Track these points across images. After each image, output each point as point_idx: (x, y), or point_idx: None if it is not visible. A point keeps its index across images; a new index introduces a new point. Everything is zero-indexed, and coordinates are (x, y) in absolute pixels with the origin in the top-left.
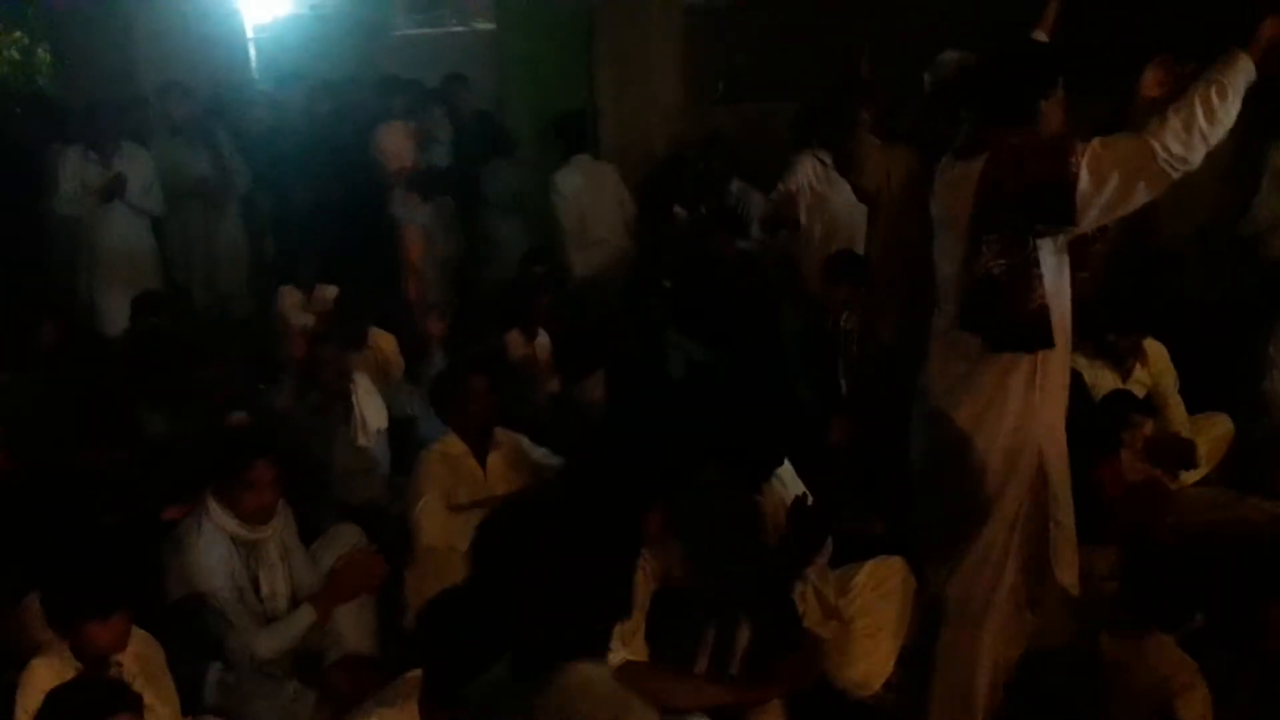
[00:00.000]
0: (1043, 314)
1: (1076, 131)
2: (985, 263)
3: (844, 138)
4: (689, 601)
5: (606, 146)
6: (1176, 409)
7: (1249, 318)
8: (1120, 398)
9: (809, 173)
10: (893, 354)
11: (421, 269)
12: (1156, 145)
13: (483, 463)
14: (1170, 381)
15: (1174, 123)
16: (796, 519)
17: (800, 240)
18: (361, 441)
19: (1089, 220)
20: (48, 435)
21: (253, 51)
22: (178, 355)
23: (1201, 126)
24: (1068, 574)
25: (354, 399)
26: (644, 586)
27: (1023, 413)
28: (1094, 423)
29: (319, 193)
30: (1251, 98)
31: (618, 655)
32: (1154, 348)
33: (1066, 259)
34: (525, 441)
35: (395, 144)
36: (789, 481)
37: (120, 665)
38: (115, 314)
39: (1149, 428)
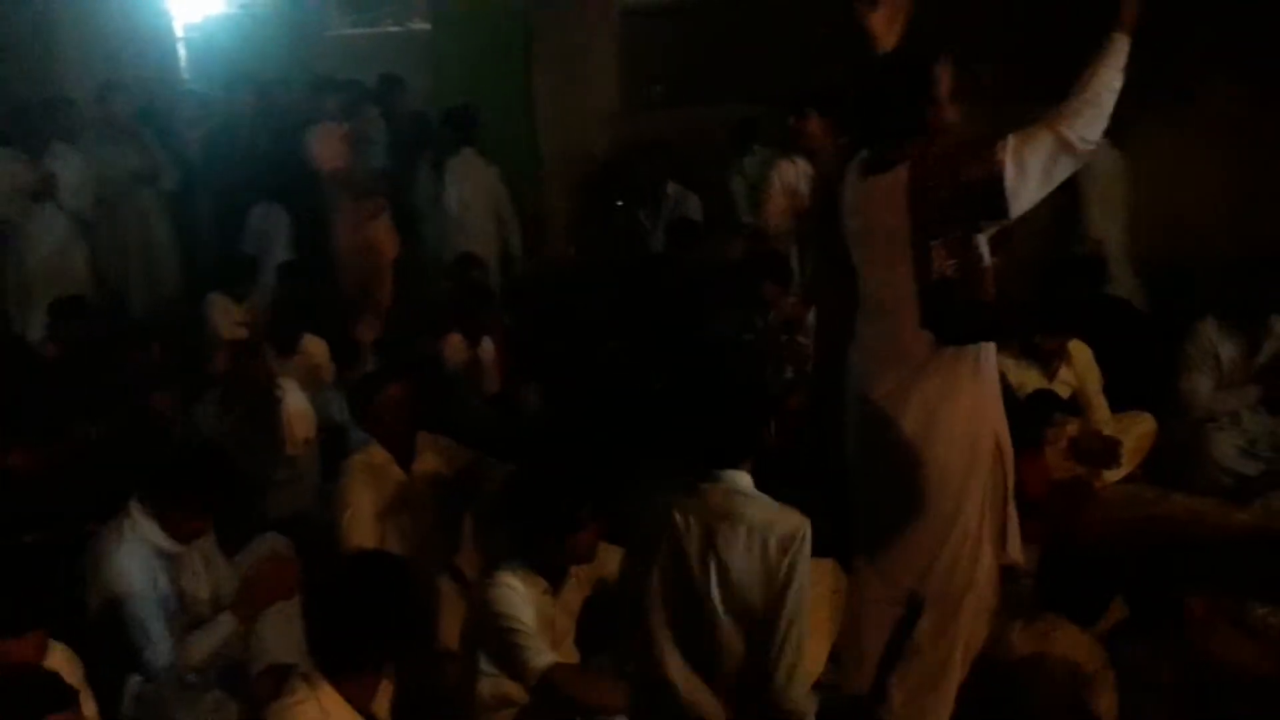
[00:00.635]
0: (990, 306)
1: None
2: (937, 267)
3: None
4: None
5: (544, 149)
6: (1101, 409)
7: (1171, 318)
8: (1043, 397)
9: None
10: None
11: (355, 271)
12: (1069, 132)
13: (408, 470)
14: (1094, 381)
15: (1081, 108)
16: None
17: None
18: (290, 451)
19: (1018, 209)
20: None
21: (182, 51)
22: (100, 359)
23: (1104, 108)
24: (1015, 547)
25: (282, 408)
26: (576, 592)
27: (974, 401)
28: (1018, 422)
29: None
30: None
31: (546, 658)
32: (1078, 349)
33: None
34: (453, 446)
35: (328, 145)
36: None
37: None
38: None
39: (1074, 427)
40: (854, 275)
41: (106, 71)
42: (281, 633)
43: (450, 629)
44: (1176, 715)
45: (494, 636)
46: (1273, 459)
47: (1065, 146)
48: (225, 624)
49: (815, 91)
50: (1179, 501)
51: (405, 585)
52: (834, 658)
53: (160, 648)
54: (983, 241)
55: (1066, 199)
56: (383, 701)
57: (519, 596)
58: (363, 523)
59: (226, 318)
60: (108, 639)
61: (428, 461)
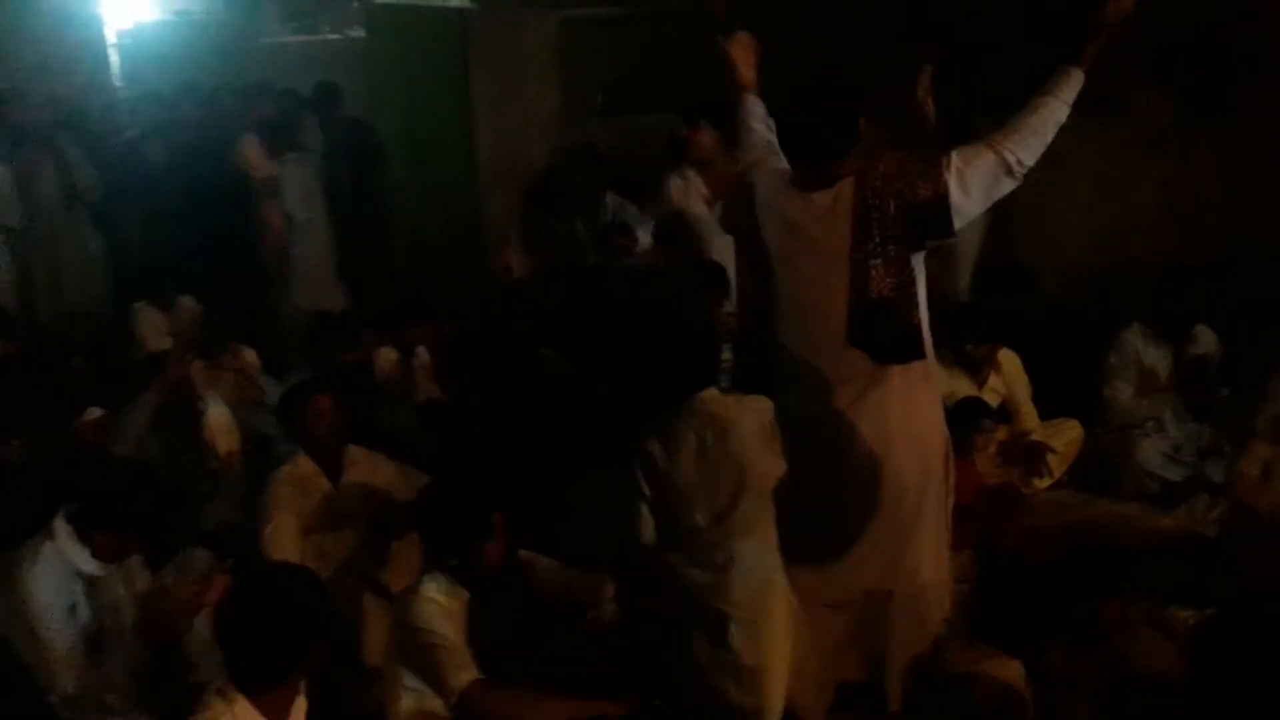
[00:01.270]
0: (920, 328)
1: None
2: (875, 286)
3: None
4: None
5: (482, 157)
6: (1029, 416)
7: (1098, 326)
8: (972, 404)
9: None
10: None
11: (287, 279)
12: (1009, 156)
13: (336, 483)
14: (1023, 389)
15: (1024, 134)
16: None
17: None
18: (213, 464)
19: (959, 227)
20: None
21: (115, 58)
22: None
23: (1046, 138)
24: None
25: (205, 420)
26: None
27: (927, 404)
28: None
29: (183, 203)
30: None
31: (466, 674)
32: (1008, 357)
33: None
34: (382, 459)
35: (261, 153)
36: None
37: None
38: None
39: (1003, 433)
40: (777, 287)
41: (35, 80)
42: (211, 650)
43: (376, 644)
44: (1096, 719)
45: (416, 652)
46: (1196, 464)
47: (1006, 168)
48: (136, 645)
49: (707, 103)
50: (1104, 507)
51: (319, 599)
52: None
53: (68, 674)
54: (919, 262)
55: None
56: (299, 716)
57: (440, 610)
58: (286, 535)
59: (154, 329)
60: (15, 663)
61: (356, 474)
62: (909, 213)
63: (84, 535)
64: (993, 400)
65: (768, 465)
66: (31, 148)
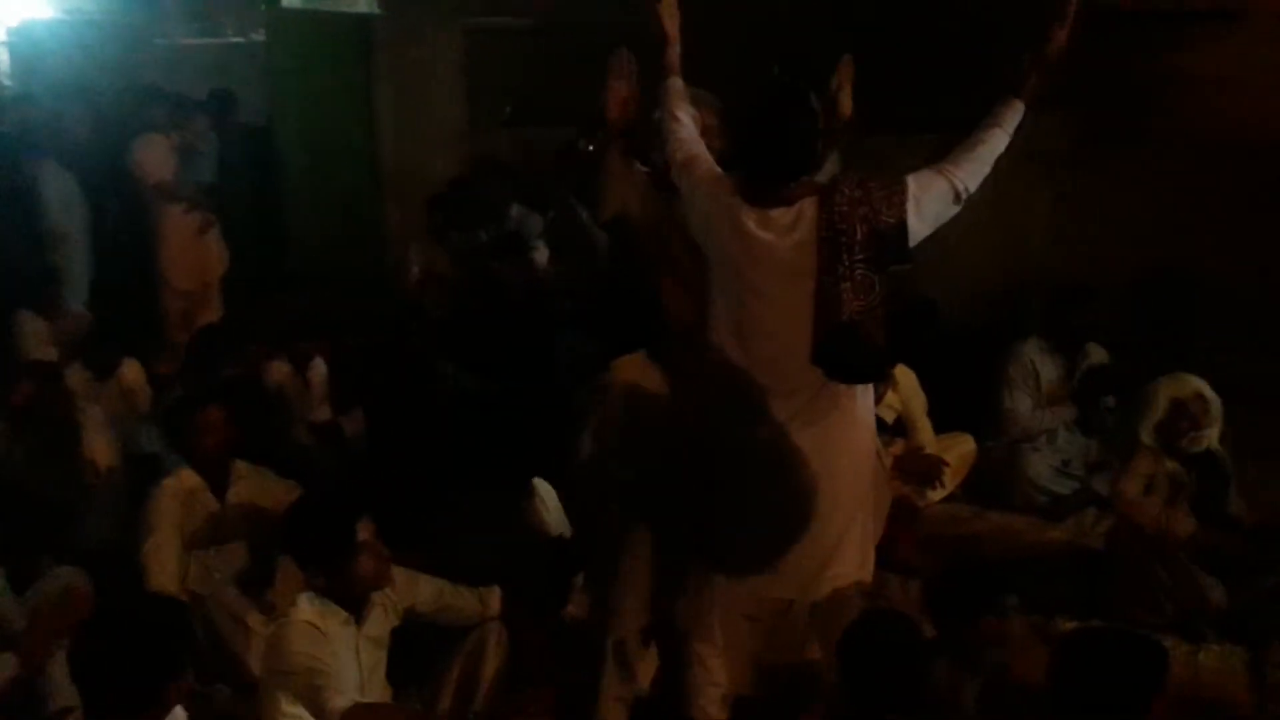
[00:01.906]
0: (884, 348)
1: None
2: (846, 308)
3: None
4: (435, 635)
5: (385, 167)
6: (925, 430)
7: (992, 342)
8: None
9: None
10: None
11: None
12: (959, 184)
13: (221, 499)
14: (918, 405)
15: (974, 164)
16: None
17: None
18: (90, 480)
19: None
20: None
21: (4, 56)
22: None
23: (988, 167)
24: None
25: (83, 434)
26: (384, 623)
27: (865, 415)
28: None
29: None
30: None
31: (344, 699)
32: (903, 373)
33: None
34: (269, 474)
35: (154, 157)
36: (550, 503)
37: None
38: None
39: (898, 447)
40: (719, 297)
41: None
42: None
43: (260, 664)
44: None
45: (291, 677)
46: (1085, 478)
47: (955, 195)
48: (5, 665)
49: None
50: (994, 519)
51: (179, 633)
52: None
53: None
54: (882, 283)
55: None
56: None
57: (313, 632)
58: (166, 552)
59: (36, 338)
60: None
61: (243, 491)
62: (875, 238)
63: None
64: (888, 416)
65: None
66: None
